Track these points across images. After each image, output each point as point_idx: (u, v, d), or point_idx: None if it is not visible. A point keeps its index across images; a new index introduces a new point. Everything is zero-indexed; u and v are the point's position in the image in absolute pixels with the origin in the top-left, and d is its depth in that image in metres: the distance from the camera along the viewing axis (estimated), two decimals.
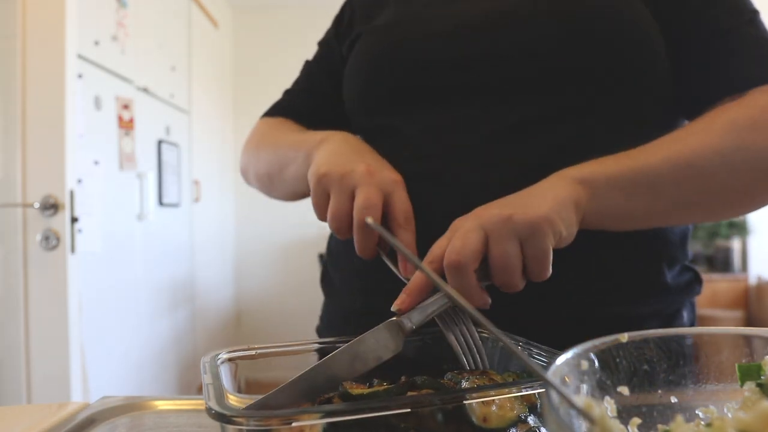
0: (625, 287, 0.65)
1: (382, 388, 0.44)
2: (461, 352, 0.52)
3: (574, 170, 0.56)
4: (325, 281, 0.81)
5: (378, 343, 0.49)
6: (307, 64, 0.91)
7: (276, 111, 0.88)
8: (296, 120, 0.85)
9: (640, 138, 0.59)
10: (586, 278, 0.63)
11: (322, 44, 0.90)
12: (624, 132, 0.65)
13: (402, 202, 0.56)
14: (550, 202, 0.52)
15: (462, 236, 0.50)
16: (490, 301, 0.52)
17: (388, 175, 0.57)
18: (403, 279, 0.54)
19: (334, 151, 0.61)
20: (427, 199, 0.63)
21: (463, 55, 0.67)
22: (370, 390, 0.44)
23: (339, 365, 0.48)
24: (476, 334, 0.52)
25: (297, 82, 0.90)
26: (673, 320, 0.69)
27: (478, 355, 0.52)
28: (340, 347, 0.48)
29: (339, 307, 0.77)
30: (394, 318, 0.50)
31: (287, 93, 0.90)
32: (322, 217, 0.59)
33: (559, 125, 0.64)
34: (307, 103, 0.87)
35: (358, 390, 0.44)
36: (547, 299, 0.61)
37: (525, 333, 0.52)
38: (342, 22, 0.86)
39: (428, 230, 0.57)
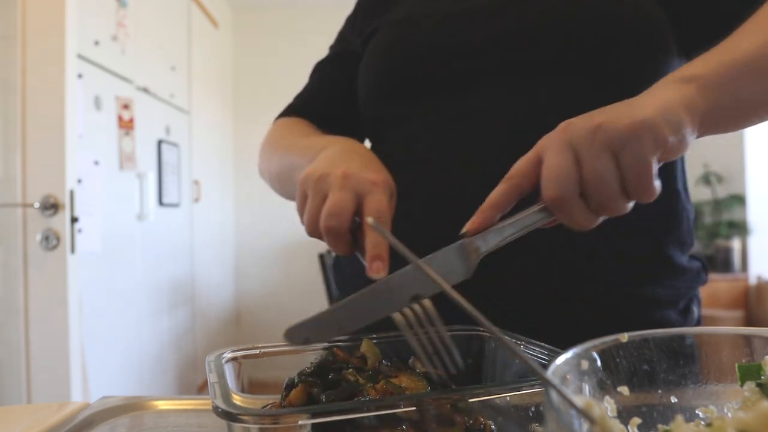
0: (641, 267, 0.65)
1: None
2: (428, 358, 0.45)
3: (676, 73, 0.52)
4: (338, 275, 0.81)
5: (444, 267, 0.43)
6: (319, 64, 0.91)
7: (289, 112, 0.88)
8: (310, 119, 0.85)
9: None
10: (603, 258, 0.63)
11: (334, 46, 0.90)
12: None
13: (375, 202, 0.52)
14: (652, 105, 0.46)
15: (550, 164, 0.45)
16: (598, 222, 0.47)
17: (367, 177, 0.54)
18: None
19: (327, 156, 0.60)
20: (444, 187, 0.64)
21: (478, 40, 0.68)
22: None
23: (401, 283, 0.42)
24: (446, 336, 0.44)
25: (308, 84, 0.90)
26: (687, 315, 0.70)
27: (448, 359, 0.44)
28: (345, 345, 0.48)
29: None
30: (466, 238, 0.44)
31: (299, 96, 0.90)
32: (301, 218, 0.58)
33: (579, 106, 0.64)
34: (321, 101, 0.87)
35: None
36: (566, 280, 0.62)
37: (545, 315, 0.51)
38: (357, 16, 0.87)
39: (447, 218, 0.56)
